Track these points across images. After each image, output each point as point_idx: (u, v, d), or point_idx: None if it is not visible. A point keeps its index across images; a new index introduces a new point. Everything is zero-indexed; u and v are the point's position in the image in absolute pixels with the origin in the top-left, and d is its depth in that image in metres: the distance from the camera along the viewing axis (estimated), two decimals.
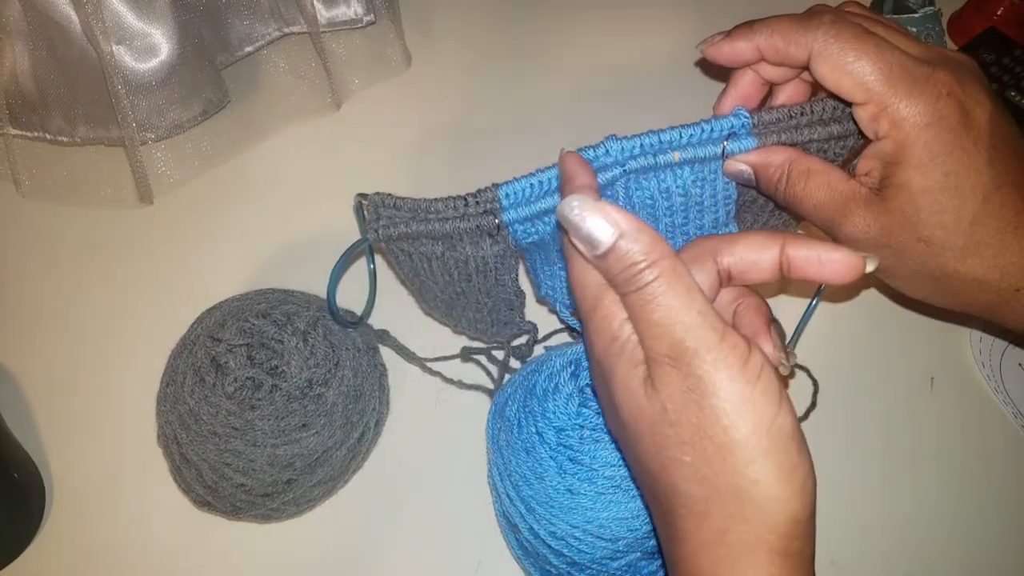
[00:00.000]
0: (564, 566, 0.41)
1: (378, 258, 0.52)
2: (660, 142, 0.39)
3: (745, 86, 0.42)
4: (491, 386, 0.51)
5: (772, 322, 0.35)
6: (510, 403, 0.44)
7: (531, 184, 0.39)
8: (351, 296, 0.50)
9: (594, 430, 0.40)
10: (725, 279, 0.34)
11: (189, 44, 0.56)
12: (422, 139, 0.63)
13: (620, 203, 0.40)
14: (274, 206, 0.60)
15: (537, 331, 0.51)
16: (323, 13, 0.61)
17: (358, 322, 0.49)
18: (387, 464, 0.50)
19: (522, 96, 0.65)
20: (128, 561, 0.47)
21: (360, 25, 0.63)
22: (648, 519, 0.39)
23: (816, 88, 0.42)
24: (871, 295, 0.55)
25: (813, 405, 0.50)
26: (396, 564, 0.47)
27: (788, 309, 0.51)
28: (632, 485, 0.39)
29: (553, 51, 0.68)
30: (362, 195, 0.41)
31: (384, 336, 0.52)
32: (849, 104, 0.37)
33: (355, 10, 0.62)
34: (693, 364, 0.27)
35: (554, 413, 0.41)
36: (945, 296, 0.39)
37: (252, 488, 0.44)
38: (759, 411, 0.27)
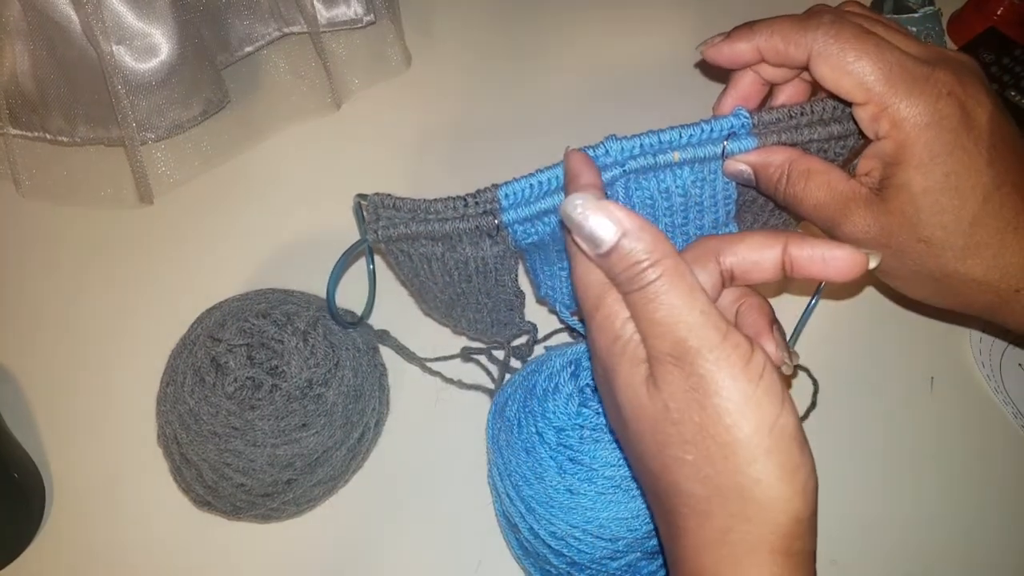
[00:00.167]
0: (564, 566, 0.41)
1: (378, 258, 0.52)
2: (660, 142, 0.39)
3: (745, 86, 0.42)
4: (491, 386, 0.51)
5: (774, 322, 0.35)
6: (510, 403, 0.44)
7: (531, 185, 0.39)
8: (351, 296, 0.50)
9: (594, 430, 0.40)
10: (727, 279, 0.34)
11: (189, 44, 0.56)
12: (422, 139, 0.63)
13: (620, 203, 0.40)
14: (274, 206, 0.60)
15: (537, 331, 0.51)
16: (323, 13, 0.61)
17: (358, 322, 0.49)
18: (387, 464, 0.50)
19: (522, 96, 0.65)
20: (128, 561, 0.47)
21: (360, 25, 0.63)
22: (648, 519, 0.39)
23: (816, 88, 0.42)
24: (871, 295, 0.55)
25: (813, 405, 0.50)
26: (396, 564, 0.47)
27: (789, 308, 0.51)
28: (632, 485, 0.39)
29: (553, 51, 0.68)
30: (361, 196, 0.41)
31: (384, 336, 0.52)
32: (849, 104, 0.37)
33: (355, 10, 0.62)
34: (696, 363, 0.27)
35: (554, 413, 0.41)
36: (945, 297, 0.39)
37: (252, 488, 0.44)
38: (762, 411, 0.27)
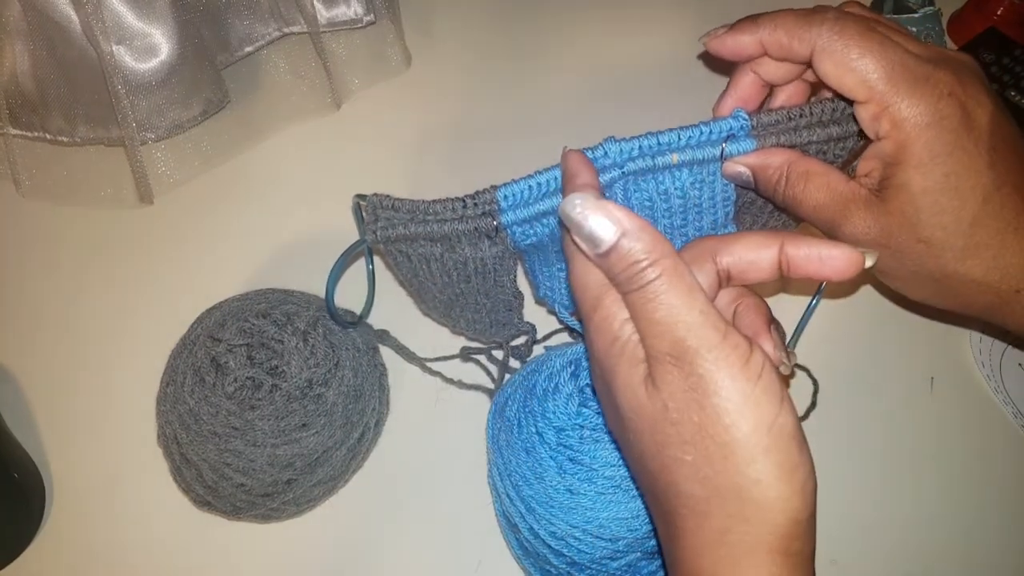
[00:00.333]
0: (564, 566, 0.41)
1: (377, 258, 0.52)
2: (659, 144, 0.39)
3: (745, 87, 0.41)
4: (491, 386, 0.51)
5: (772, 322, 0.35)
6: (510, 403, 0.44)
7: (529, 186, 0.39)
8: (351, 296, 0.50)
9: (594, 430, 0.40)
10: (724, 279, 0.34)
11: (189, 44, 0.56)
12: (422, 139, 0.63)
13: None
14: (274, 206, 0.60)
15: (536, 332, 0.51)
16: (323, 13, 0.61)
17: (357, 322, 0.49)
18: (387, 464, 0.50)
19: (522, 96, 0.65)
20: (128, 561, 0.47)
21: (360, 25, 0.63)
22: (648, 519, 0.39)
23: (815, 89, 0.42)
24: (871, 295, 0.55)
25: (813, 405, 0.50)
26: (396, 564, 0.47)
27: (789, 309, 0.51)
28: (632, 485, 0.39)
29: (553, 51, 0.68)
30: (360, 196, 0.41)
31: (384, 336, 0.52)
32: (850, 102, 0.37)
33: (355, 10, 0.62)
34: (695, 363, 0.27)
35: (554, 413, 0.41)
36: (945, 297, 0.39)
37: (252, 488, 0.44)
38: (761, 410, 0.27)
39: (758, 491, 0.27)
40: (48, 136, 0.58)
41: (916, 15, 0.64)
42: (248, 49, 0.63)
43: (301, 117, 0.64)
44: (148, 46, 0.55)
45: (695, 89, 0.64)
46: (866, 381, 0.52)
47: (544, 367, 0.44)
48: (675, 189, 0.40)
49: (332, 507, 0.48)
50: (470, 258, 0.41)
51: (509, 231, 0.40)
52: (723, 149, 0.39)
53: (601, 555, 0.39)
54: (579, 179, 0.34)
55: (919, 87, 0.34)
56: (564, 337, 0.53)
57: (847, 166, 0.40)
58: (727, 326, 0.28)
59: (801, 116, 0.39)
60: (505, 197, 0.39)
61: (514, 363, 0.52)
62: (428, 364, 0.52)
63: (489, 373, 0.52)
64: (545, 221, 0.39)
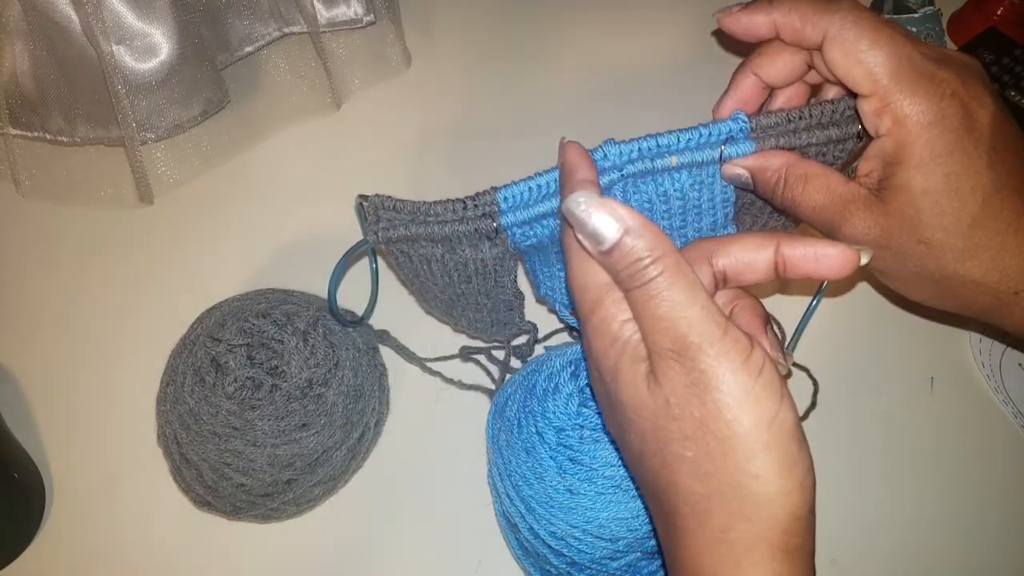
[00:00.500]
0: (564, 566, 0.41)
1: (379, 258, 0.52)
2: (658, 146, 0.39)
3: (745, 89, 0.41)
4: (491, 386, 0.51)
5: (768, 323, 0.35)
6: (510, 403, 0.44)
7: (529, 188, 0.39)
8: (351, 296, 0.50)
9: (594, 430, 0.40)
10: (721, 281, 0.34)
11: (189, 44, 0.56)
12: (422, 139, 0.63)
13: None
14: (274, 206, 0.60)
15: (537, 331, 0.51)
16: (323, 13, 0.61)
17: (359, 321, 0.49)
18: (387, 464, 0.50)
19: (522, 96, 0.65)
20: (128, 561, 0.47)
21: (360, 25, 0.63)
22: (648, 520, 0.39)
23: (815, 91, 0.42)
24: (871, 295, 0.55)
25: (813, 405, 0.50)
26: (396, 564, 0.47)
27: (789, 309, 0.51)
28: (632, 485, 0.39)
29: (553, 51, 0.68)
30: (363, 196, 0.41)
31: (384, 336, 0.52)
32: (854, 96, 0.37)
33: (355, 10, 0.62)
34: (697, 358, 0.28)
35: (554, 413, 0.41)
36: (945, 298, 0.39)
37: (252, 488, 0.44)
38: (761, 406, 0.28)
39: (758, 487, 0.27)
40: (48, 136, 0.58)
41: (916, 15, 0.64)
42: (248, 49, 0.63)
43: (301, 117, 0.64)
44: (148, 46, 0.55)
45: (695, 89, 0.63)
46: (866, 381, 0.52)
47: (544, 367, 0.44)
48: (674, 191, 0.40)
49: (332, 507, 0.48)
50: (470, 259, 0.41)
51: (509, 232, 0.40)
52: (722, 151, 0.39)
53: (601, 555, 0.39)
54: (578, 174, 0.34)
55: (923, 85, 0.34)
56: (564, 337, 0.53)
57: (846, 167, 0.40)
58: (728, 322, 0.28)
59: (800, 118, 0.39)
60: (505, 199, 0.39)
61: (514, 363, 0.52)
62: (428, 364, 0.52)
63: (489, 373, 0.52)
64: (545, 222, 0.39)
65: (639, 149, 0.39)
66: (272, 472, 0.43)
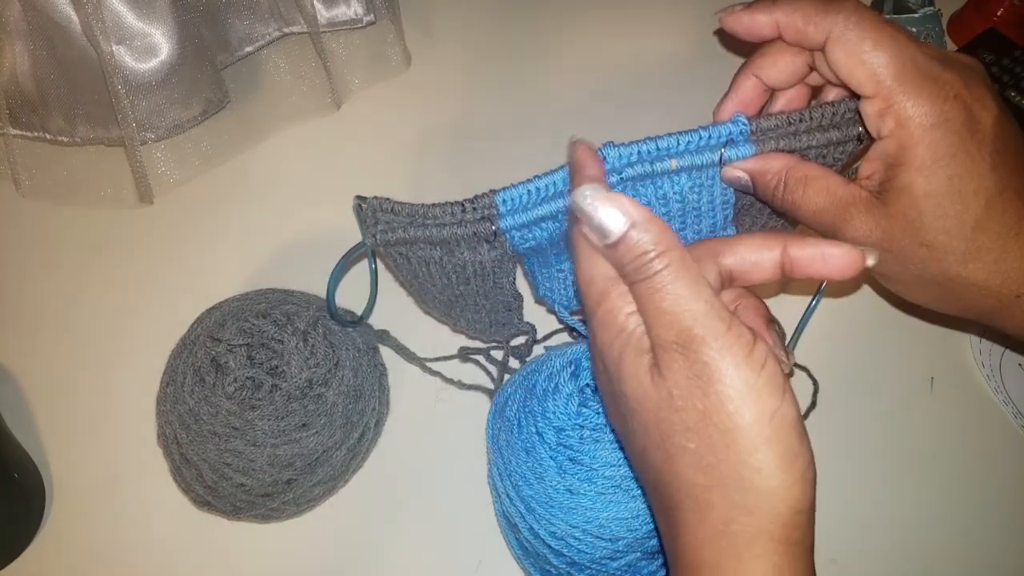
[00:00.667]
0: (564, 566, 0.41)
1: (378, 259, 0.52)
2: (657, 149, 0.39)
3: (745, 91, 0.41)
4: (491, 386, 0.51)
5: (771, 322, 0.35)
6: (510, 403, 0.44)
7: (528, 191, 0.39)
8: (351, 296, 0.50)
9: (594, 430, 0.40)
10: (727, 280, 0.34)
11: (189, 44, 0.56)
12: (422, 139, 0.63)
13: None
14: (274, 206, 0.60)
15: (535, 332, 0.51)
16: (323, 13, 0.61)
17: (358, 321, 0.49)
18: (387, 464, 0.50)
19: (522, 96, 0.65)
20: (128, 561, 0.47)
21: (360, 25, 0.63)
22: (648, 519, 0.39)
23: (815, 93, 0.42)
24: (870, 295, 0.55)
25: (813, 405, 0.50)
26: (396, 564, 0.47)
27: (789, 309, 0.51)
28: (632, 485, 0.39)
29: (553, 51, 0.68)
30: (360, 198, 0.41)
31: (384, 336, 0.52)
32: (856, 97, 0.37)
33: (355, 10, 0.62)
34: (700, 351, 0.28)
35: (554, 413, 0.41)
36: (947, 301, 0.38)
37: (252, 488, 0.44)
38: (763, 399, 0.28)
39: (760, 479, 0.28)
40: (48, 136, 0.58)
41: (916, 15, 0.64)
42: (248, 49, 0.63)
43: (301, 117, 0.64)
44: (148, 46, 0.55)
45: (695, 89, 0.63)
46: (866, 381, 0.52)
47: (544, 367, 0.44)
48: (674, 193, 0.40)
49: (332, 507, 0.48)
50: (469, 261, 0.41)
51: (508, 235, 0.40)
52: (722, 154, 0.39)
53: (601, 555, 0.39)
54: (587, 171, 0.34)
55: (926, 87, 0.34)
56: (564, 337, 0.53)
57: (847, 169, 0.40)
58: (731, 317, 0.29)
59: (801, 120, 0.39)
60: (504, 202, 0.39)
61: (514, 363, 0.52)
62: (428, 364, 0.52)
63: (489, 373, 0.52)
64: (544, 225, 0.39)
65: (638, 152, 0.39)
66: (272, 472, 0.43)
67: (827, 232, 0.39)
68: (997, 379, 0.51)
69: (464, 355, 0.52)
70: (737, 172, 0.39)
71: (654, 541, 0.39)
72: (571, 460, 0.40)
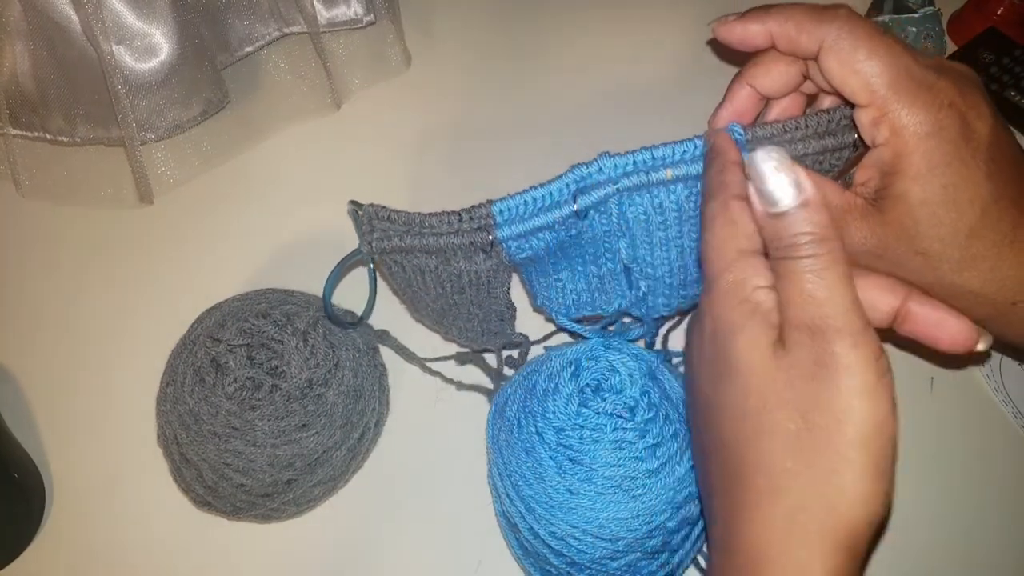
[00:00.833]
0: (564, 566, 0.41)
1: None
2: (653, 159, 0.39)
3: (740, 100, 0.41)
4: (491, 386, 0.51)
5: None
6: (510, 403, 0.44)
7: (524, 201, 0.39)
8: (350, 297, 0.50)
9: (594, 430, 0.40)
10: None
11: (189, 44, 0.56)
12: (422, 139, 0.63)
13: (615, 221, 0.41)
14: (274, 206, 0.60)
15: (528, 342, 0.51)
16: (323, 13, 0.61)
17: (357, 323, 0.49)
18: (387, 464, 0.50)
19: (522, 96, 0.65)
20: (128, 561, 0.47)
21: (360, 25, 0.63)
22: (648, 520, 0.39)
23: (811, 102, 0.42)
24: None
25: None
26: (396, 564, 0.47)
27: None
28: (632, 485, 0.39)
29: (553, 51, 0.68)
30: (355, 203, 0.41)
31: (384, 336, 0.52)
32: (851, 105, 0.37)
33: (355, 10, 0.62)
34: (833, 341, 0.29)
35: (554, 413, 0.41)
36: None
37: (252, 488, 0.44)
38: (876, 406, 0.29)
39: (849, 480, 0.28)
40: (48, 136, 0.58)
41: (916, 15, 0.64)
42: (248, 49, 0.63)
43: (301, 117, 0.64)
44: (148, 46, 0.55)
45: (695, 89, 0.63)
46: None
47: (544, 367, 0.44)
48: (670, 203, 0.40)
49: (332, 507, 0.48)
50: (464, 271, 0.41)
51: (504, 245, 0.40)
52: (741, 155, 0.39)
53: (601, 555, 0.39)
54: (730, 155, 0.35)
55: (921, 96, 0.34)
56: (564, 338, 0.53)
57: (842, 176, 0.40)
58: (868, 320, 0.29)
59: (796, 128, 0.39)
60: (500, 212, 0.39)
61: (507, 372, 0.51)
62: (428, 364, 0.52)
63: (488, 373, 0.52)
64: (541, 235, 0.39)
65: (634, 162, 0.38)
66: (272, 472, 0.43)
67: None
68: (997, 379, 0.51)
69: (462, 359, 0.52)
70: None
71: (654, 541, 0.39)
72: (571, 460, 0.40)
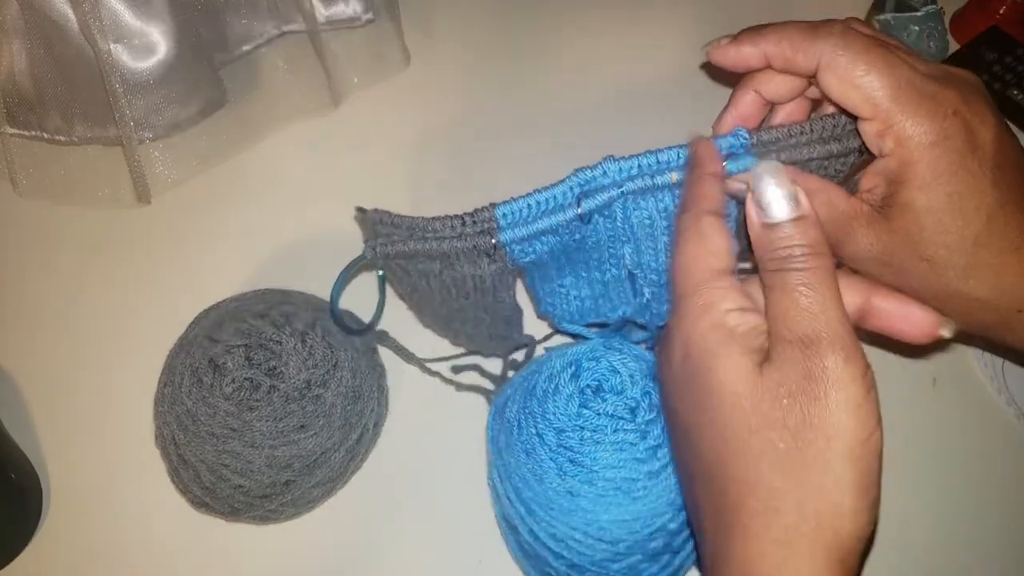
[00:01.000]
0: (564, 568, 0.41)
1: None
2: (658, 163, 0.38)
3: (745, 105, 0.41)
4: (491, 387, 0.51)
5: None
6: (510, 404, 0.44)
7: (528, 204, 0.39)
8: (350, 297, 0.50)
9: (594, 431, 0.40)
10: None
11: (187, 43, 0.56)
12: (421, 139, 0.63)
13: (619, 225, 0.40)
14: (273, 206, 0.60)
15: (535, 344, 0.50)
16: (321, 11, 0.61)
17: (366, 329, 0.48)
18: (386, 465, 0.49)
19: (522, 96, 0.65)
20: (126, 562, 0.47)
21: (359, 23, 0.62)
22: (649, 522, 0.39)
23: (816, 106, 0.42)
24: None
25: None
26: (396, 565, 0.47)
27: None
28: (633, 487, 0.39)
29: (553, 51, 0.68)
30: (361, 209, 0.41)
31: (383, 337, 0.52)
32: (854, 118, 0.36)
33: (354, 8, 0.61)
34: (825, 355, 0.29)
35: (554, 414, 0.41)
36: (947, 315, 0.38)
37: (250, 489, 0.43)
38: (863, 420, 0.28)
39: (839, 495, 0.28)
40: (45, 135, 0.58)
41: (918, 13, 0.64)
42: (246, 48, 0.63)
43: (300, 116, 0.64)
44: (146, 45, 0.54)
45: (696, 89, 0.64)
46: None
47: (544, 368, 0.44)
48: (675, 207, 0.40)
49: (331, 508, 0.48)
50: (469, 275, 0.41)
51: (508, 249, 0.39)
52: (723, 167, 0.38)
53: (601, 557, 0.39)
54: (710, 167, 0.35)
55: (924, 105, 0.34)
56: (565, 338, 0.53)
57: (848, 181, 0.40)
58: (855, 336, 0.30)
59: (801, 133, 0.38)
60: (504, 215, 0.39)
61: (508, 373, 0.51)
62: (427, 364, 0.51)
63: (487, 376, 0.52)
64: (544, 239, 0.39)
65: (639, 166, 0.38)
66: (270, 473, 0.43)
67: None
68: (1000, 380, 0.51)
69: (457, 368, 0.51)
70: (738, 185, 0.39)
71: (655, 543, 0.39)
72: (571, 462, 0.39)
